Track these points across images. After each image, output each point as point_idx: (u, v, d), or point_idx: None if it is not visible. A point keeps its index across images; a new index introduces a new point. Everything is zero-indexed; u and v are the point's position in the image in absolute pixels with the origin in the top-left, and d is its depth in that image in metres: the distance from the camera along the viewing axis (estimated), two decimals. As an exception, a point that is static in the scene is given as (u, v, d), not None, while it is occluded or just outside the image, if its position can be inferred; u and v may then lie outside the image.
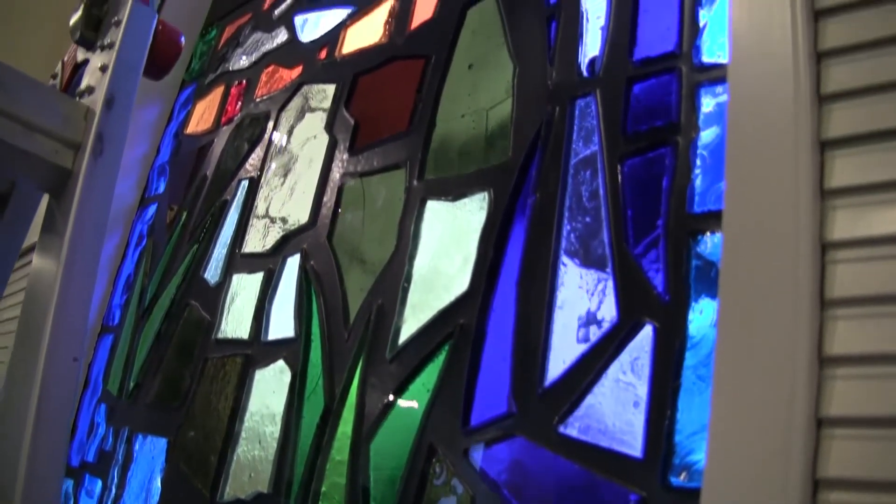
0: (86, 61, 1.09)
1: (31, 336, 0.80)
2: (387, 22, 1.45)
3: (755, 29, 0.76)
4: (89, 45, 1.09)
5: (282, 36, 1.80)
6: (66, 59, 1.20)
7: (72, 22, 1.12)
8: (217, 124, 1.85)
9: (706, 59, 0.93)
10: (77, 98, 1.01)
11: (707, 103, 0.90)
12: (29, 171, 0.91)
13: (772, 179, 0.68)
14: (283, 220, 1.43)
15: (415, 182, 1.19)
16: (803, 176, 0.66)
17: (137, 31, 1.02)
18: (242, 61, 1.90)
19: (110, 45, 1.00)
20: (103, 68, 0.98)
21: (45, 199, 0.95)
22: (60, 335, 0.79)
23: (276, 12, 1.88)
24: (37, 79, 1.04)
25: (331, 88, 1.50)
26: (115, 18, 1.03)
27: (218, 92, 1.93)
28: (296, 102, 1.60)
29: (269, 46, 1.82)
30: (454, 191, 1.13)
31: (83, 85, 1.01)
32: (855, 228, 0.64)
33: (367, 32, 1.49)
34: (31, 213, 1.06)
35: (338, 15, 1.63)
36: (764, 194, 0.69)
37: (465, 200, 1.11)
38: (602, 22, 1.07)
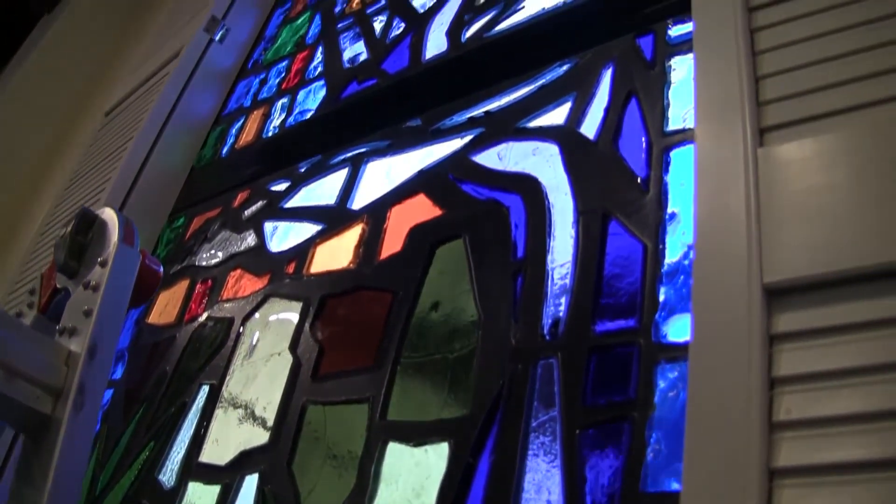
0: (66, 290, 1.12)
1: None
2: (357, 247, 1.50)
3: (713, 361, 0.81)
4: (70, 275, 1.12)
5: (250, 239, 1.84)
6: (45, 272, 1.22)
7: (57, 239, 1.15)
8: (180, 320, 1.87)
9: (665, 336, 0.98)
10: (58, 334, 1.03)
11: (664, 382, 0.95)
12: (7, 414, 0.93)
13: None
14: (243, 436, 1.44)
15: (377, 420, 1.23)
16: None
17: (122, 274, 1.05)
18: (209, 258, 1.94)
19: (95, 288, 1.03)
20: (87, 313, 1.00)
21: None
22: None
23: (247, 213, 1.93)
24: (22, 321, 1.07)
25: (297, 306, 1.54)
26: (101, 258, 1.06)
27: (183, 285, 1.96)
28: (262, 313, 1.63)
29: (236, 248, 1.87)
30: (415, 437, 1.16)
31: (66, 323, 1.03)
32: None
33: (337, 254, 1.54)
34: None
35: (308, 229, 1.68)
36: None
37: (427, 448, 1.14)
38: (567, 282, 1.13)
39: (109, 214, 1.14)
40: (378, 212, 1.53)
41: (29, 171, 3.49)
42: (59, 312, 1.13)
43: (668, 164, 1.14)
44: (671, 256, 1.05)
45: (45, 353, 0.97)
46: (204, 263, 1.95)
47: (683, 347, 0.94)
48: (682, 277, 1.02)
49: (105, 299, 1.01)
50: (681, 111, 1.19)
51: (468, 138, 1.48)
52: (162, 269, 1.18)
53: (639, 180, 1.15)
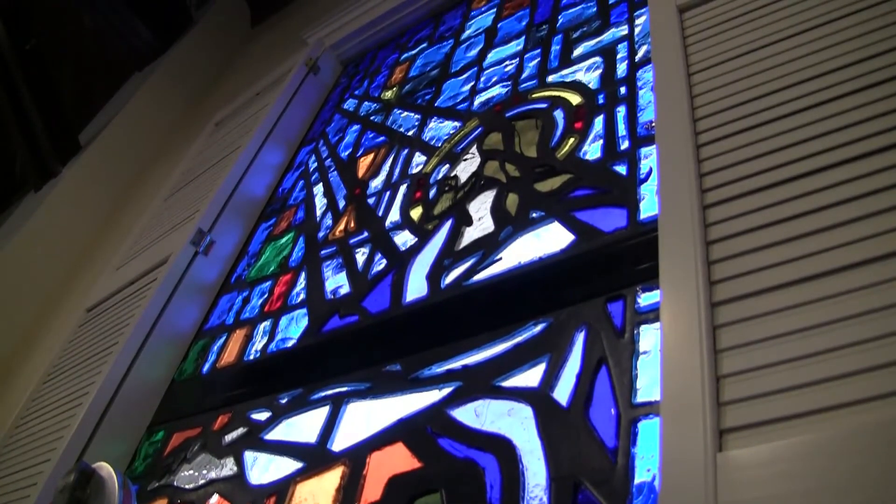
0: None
1: None
2: (337, 490, 1.55)
3: None
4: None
5: (230, 467, 1.88)
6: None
7: (55, 492, 1.21)
8: (157, 542, 1.90)
9: None
10: None
11: None
12: None
13: None
14: None
15: None
16: None
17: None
18: (188, 480, 1.97)
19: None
20: None
21: None
22: None
23: (227, 438, 1.98)
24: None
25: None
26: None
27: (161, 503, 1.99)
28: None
29: (216, 474, 1.90)
30: None
31: None
32: None
33: (317, 495, 1.59)
34: None
35: (288, 463, 1.74)
36: None
37: None
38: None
39: (108, 472, 1.21)
40: (358, 456, 1.59)
41: (3, 358, 3.51)
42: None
43: (635, 435, 1.21)
44: (639, 531, 1.11)
45: None
46: (183, 485, 1.98)
47: None
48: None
49: None
50: (648, 384, 1.26)
51: (446, 391, 1.55)
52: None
53: (608, 450, 1.22)
